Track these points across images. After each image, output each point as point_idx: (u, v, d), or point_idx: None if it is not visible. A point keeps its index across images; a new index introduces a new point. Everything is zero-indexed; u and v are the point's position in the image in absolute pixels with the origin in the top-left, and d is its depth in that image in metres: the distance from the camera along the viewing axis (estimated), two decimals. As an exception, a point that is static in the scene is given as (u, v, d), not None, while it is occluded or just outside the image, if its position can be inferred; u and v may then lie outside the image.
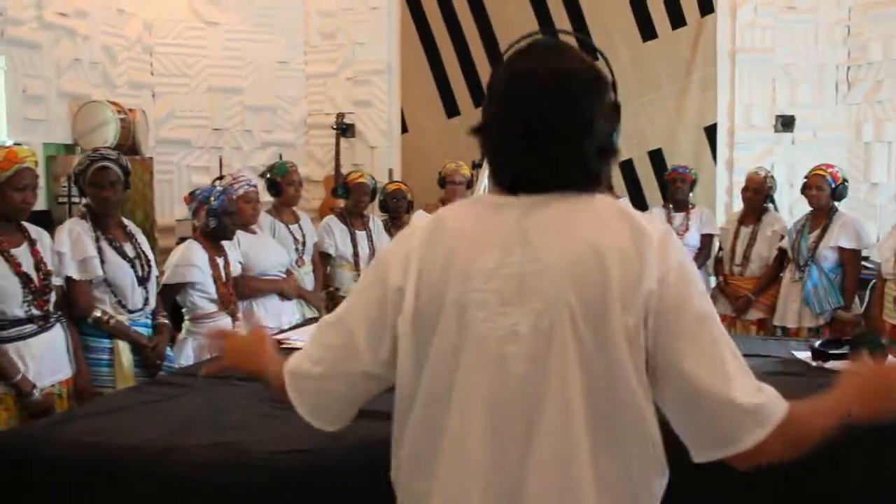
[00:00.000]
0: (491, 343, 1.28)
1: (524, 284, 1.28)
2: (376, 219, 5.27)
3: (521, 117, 1.32)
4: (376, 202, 5.28)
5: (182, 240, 6.00)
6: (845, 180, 4.84)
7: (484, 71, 6.63)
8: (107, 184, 3.34)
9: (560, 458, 1.27)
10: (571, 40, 1.50)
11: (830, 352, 2.87)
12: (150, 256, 3.55)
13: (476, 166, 5.07)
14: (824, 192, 4.78)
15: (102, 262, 3.31)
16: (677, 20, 6.32)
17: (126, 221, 3.59)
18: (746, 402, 1.24)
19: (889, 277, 4.44)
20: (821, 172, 4.83)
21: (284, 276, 4.35)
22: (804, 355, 2.99)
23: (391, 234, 5.23)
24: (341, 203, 6.41)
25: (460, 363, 1.30)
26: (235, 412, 2.24)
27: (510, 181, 1.36)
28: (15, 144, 3.27)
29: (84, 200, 3.49)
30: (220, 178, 4.62)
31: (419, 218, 5.48)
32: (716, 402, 1.25)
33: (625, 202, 1.41)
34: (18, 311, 2.94)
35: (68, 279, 3.25)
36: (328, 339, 1.42)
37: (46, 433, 2.08)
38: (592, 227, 1.30)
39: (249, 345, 1.59)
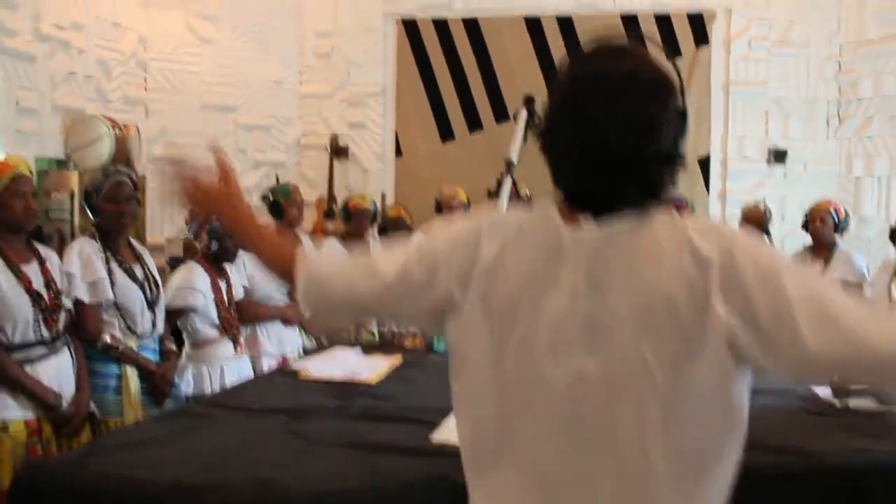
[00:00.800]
0: (560, 386, 1.25)
1: (592, 328, 1.24)
2: (377, 243, 5.23)
3: (579, 135, 1.27)
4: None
5: (173, 259, 5.92)
6: (847, 215, 4.92)
7: (479, 96, 6.66)
8: (123, 198, 3.28)
9: (637, 498, 1.25)
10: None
11: (851, 387, 2.87)
12: (158, 279, 3.47)
13: (492, 196, 5.03)
14: (828, 226, 4.85)
15: (112, 284, 3.23)
16: (673, 51, 6.34)
17: (134, 242, 3.51)
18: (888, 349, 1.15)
19: (883, 314, 4.50)
20: (825, 206, 4.91)
21: (288, 300, 4.28)
22: (824, 391, 2.98)
23: (390, 259, 5.17)
24: (330, 225, 6.38)
25: (527, 404, 1.27)
26: (267, 446, 2.17)
27: (570, 191, 1.31)
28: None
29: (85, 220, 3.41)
30: None
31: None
32: (864, 365, 1.18)
33: (680, 216, 1.31)
34: (28, 332, 2.86)
35: (78, 302, 3.16)
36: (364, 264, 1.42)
37: (75, 465, 1.99)
38: (656, 262, 1.23)
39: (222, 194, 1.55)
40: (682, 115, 1.30)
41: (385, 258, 1.42)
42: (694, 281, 1.21)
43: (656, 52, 1.37)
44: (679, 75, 1.31)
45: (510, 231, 1.33)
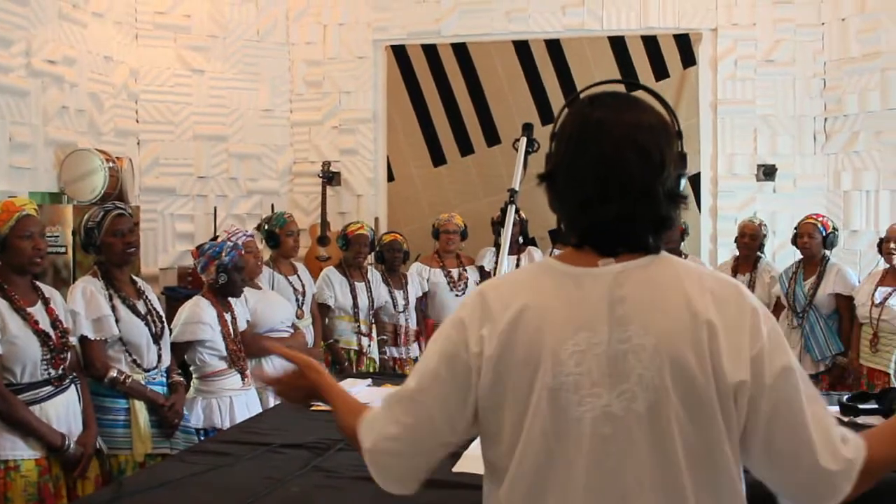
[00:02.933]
0: (586, 425, 1.27)
1: (614, 364, 1.28)
2: (374, 270, 5.24)
3: (595, 168, 1.34)
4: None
5: (168, 289, 5.91)
6: (836, 229, 5.00)
7: (470, 120, 6.70)
8: (126, 231, 3.30)
9: None
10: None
11: (860, 406, 2.91)
12: (162, 313, 3.47)
13: (495, 223, 5.06)
14: (815, 241, 4.93)
15: (117, 320, 3.23)
16: (660, 72, 6.46)
17: (136, 278, 3.52)
18: (835, 467, 1.28)
19: (864, 322, 4.61)
20: (812, 221, 4.99)
21: (291, 331, 4.28)
22: (832, 410, 3.01)
23: (388, 285, 5.20)
24: (324, 252, 6.38)
25: (556, 446, 1.29)
26: (292, 484, 2.17)
27: (581, 230, 1.37)
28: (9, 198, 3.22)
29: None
30: (215, 238, 4.51)
31: (418, 271, 5.47)
32: (807, 473, 1.29)
33: (694, 263, 1.43)
34: (37, 372, 2.86)
35: (83, 339, 3.17)
36: (403, 418, 1.39)
37: (103, 510, 1.99)
38: (677, 301, 1.29)
39: (302, 380, 1.65)
40: (683, 157, 1.40)
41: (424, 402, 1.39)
42: (716, 327, 1.27)
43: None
44: (677, 123, 1.41)
45: (513, 295, 1.35)
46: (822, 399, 1.34)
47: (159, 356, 3.36)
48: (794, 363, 1.31)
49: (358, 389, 3.41)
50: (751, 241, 5.35)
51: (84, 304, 3.20)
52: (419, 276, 5.45)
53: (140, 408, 3.23)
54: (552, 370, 1.28)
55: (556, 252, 1.45)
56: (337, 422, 1.55)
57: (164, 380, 3.39)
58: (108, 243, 3.28)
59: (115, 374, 3.19)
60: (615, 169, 1.32)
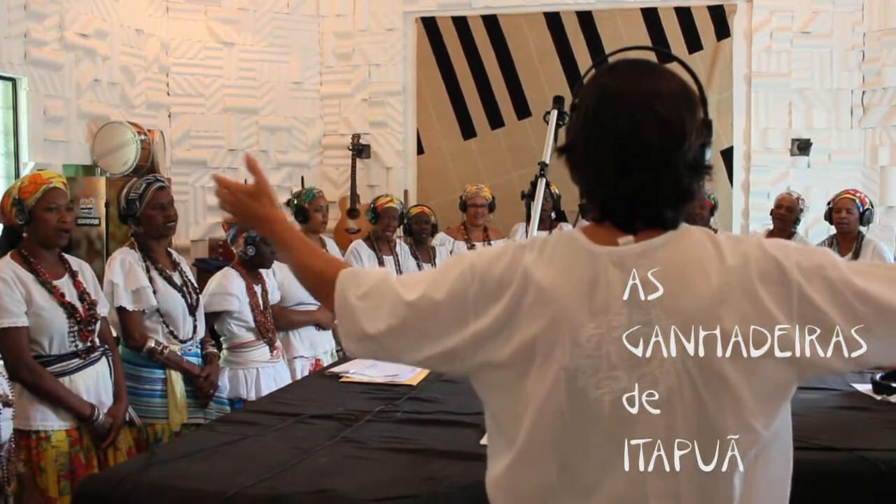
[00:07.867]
0: (605, 407, 1.26)
1: (633, 346, 1.25)
2: (403, 243, 5.25)
3: (612, 139, 1.28)
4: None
5: (199, 261, 5.97)
6: (872, 205, 4.90)
7: (500, 92, 6.66)
8: (168, 203, 3.33)
9: None
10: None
11: (894, 385, 2.87)
12: (196, 285, 3.51)
13: (525, 196, 5.03)
14: (853, 216, 4.83)
15: (154, 291, 3.28)
16: (694, 44, 6.37)
17: (170, 250, 3.56)
18: None
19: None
20: (849, 196, 4.89)
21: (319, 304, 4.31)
22: (865, 388, 2.98)
23: (417, 258, 5.21)
24: (353, 224, 6.40)
25: (572, 424, 1.28)
26: (321, 454, 2.19)
27: (600, 204, 1.33)
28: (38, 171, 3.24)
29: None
30: None
31: (441, 241, 5.48)
32: None
33: (721, 234, 1.37)
34: (64, 344, 2.89)
35: (122, 310, 3.21)
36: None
37: (136, 477, 2.02)
38: (700, 281, 1.25)
39: (254, 203, 1.59)
40: (707, 126, 1.32)
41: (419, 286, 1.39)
42: (740, 302, 1.23)
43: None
44: (700, 88, 1.34)
45: (536, 266, 1.32)
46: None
47: (195, 327, 3.41)
48: (832, 262, 1.25)
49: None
50: (787, 214, 5.24)
51: (123, 276, 3.23)
52: (443, 246, 5.44)
53: (176, 378, 3.28)
54: (570, 351, 1.26)
55: (583, 224, 1.42)
56: (295, 259, 1.54)
57: (199, 351, 3.44)
58: (149, 216, 3.31)
59: (152, 345, 3.24)
60: (633, 139, 1.26)
